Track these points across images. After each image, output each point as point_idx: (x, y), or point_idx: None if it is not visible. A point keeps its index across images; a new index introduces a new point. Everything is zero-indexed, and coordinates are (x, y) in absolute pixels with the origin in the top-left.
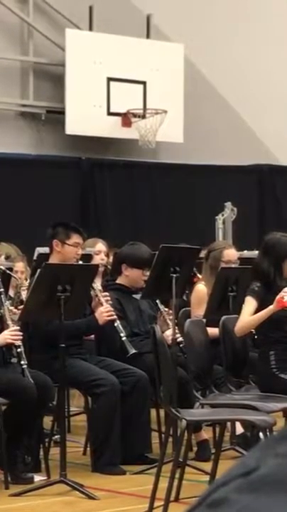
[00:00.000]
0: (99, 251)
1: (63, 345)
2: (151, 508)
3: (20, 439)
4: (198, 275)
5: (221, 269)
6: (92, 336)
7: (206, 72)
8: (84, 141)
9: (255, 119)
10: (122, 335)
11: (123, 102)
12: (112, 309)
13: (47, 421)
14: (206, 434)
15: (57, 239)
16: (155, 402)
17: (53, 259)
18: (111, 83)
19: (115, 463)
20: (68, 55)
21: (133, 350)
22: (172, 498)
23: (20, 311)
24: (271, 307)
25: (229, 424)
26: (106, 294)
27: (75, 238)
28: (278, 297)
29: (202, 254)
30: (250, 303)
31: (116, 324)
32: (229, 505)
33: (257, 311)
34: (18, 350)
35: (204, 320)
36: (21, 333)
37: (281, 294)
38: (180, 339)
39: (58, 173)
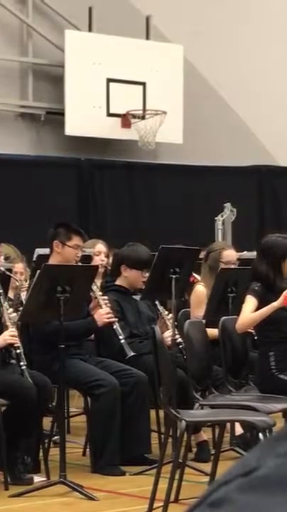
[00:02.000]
0: (99, 252)
1: (63, 346)
2: (151, 508)
3: (19, 439)
4: (195, 275)
5: (221, 269)
6: (92, 337)
7: (205, 73)
8: (84, 142)
9: (254, 120)
10: (121, 337)
11: (122, 103)
12: (111, 312)
13: (47, 422)
14: (205, 434)
15: (57, 240)
16: (155, 402)
17: (53, 260)
18: (111, 84)
19: (115, 464)
20: (67, 56)
21: (131, 353)
22: (171, 498)
23: (19, 312)
24: (273, 304)
25: (228, 424)
26: (105, 297)
27: (76, 240)
28: (285, 293)
29: (202, 255)
30: (250, 301)
31: (115, 327)
32: (230, 505)
33: (257, 310)
34: (18, 351)
35: (204, 321)
36: (20, 334)
37: None
38: (180, 340)
39: (58, 174)
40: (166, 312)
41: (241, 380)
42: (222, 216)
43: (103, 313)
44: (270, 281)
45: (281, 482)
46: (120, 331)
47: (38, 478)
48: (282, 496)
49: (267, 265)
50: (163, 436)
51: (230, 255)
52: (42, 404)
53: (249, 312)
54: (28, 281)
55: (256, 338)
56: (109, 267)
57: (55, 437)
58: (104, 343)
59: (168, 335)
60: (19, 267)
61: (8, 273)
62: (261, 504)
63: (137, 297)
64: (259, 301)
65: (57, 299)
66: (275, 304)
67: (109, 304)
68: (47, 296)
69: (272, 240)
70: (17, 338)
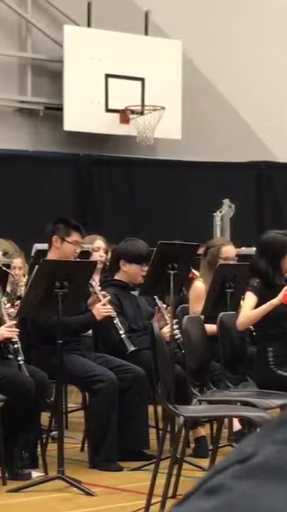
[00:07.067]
0: (98, 247)
1: (61, 341)
2: (149, 504)
3: (17, 435)
4: (193, 271)
5: (220, 265)
6: (90, 333)
7: (204, 68)
8: (82, 138)
9: (253, 116)
10: (121, 332)
11: (121, 99)
12: (110, 306)
13: (45, 417)
14: (203, 430)
15: (57, 235)
16: (153, 398)
17: (52, 256)
18: (110, 80)
19: (112, 459)
20: (66, 51)
21: (132, 348)
22: (169, 494)
23: (17, 307)
24: (273, 301)
25: (226, 420)
26: (104, 292)
27: (75, 236)
28: (284, 291)
29: (200, 250)
30: (251, 297)
31: (115, 321)
32: (226, 492)
33: (256, 306)
34: (15, 346)
35: (202, 316)
36: (18, 329)
37: None
38: (178, 335)
39: (56, 170)
40: (165, 306)
41: (239, 376)
42: (221, 212)
43: (100, 306)
44: (269, 278)
45: (277, 469)
46: (120, 325)
47: (35, 474)
48: (278, 483)
49: (266, 262)
50: (161, 431)
51: (229, 251)
52: (40, 399)
53: (249, 309)
54: (26, 277)
55: (254, 333)
56: (108, 263)
57: (53, 433)
58: (102, 339)
59: (166, 330)
60: (17, 262)
61: (5, 268)
62: (257, 491)
63: (135, 293)
64: (259, 297)
65: (55, 294)
66: (274, 302)
67: (108, 298)
68: (45, 292)
69: (271, 236)
70: (14, 333)
